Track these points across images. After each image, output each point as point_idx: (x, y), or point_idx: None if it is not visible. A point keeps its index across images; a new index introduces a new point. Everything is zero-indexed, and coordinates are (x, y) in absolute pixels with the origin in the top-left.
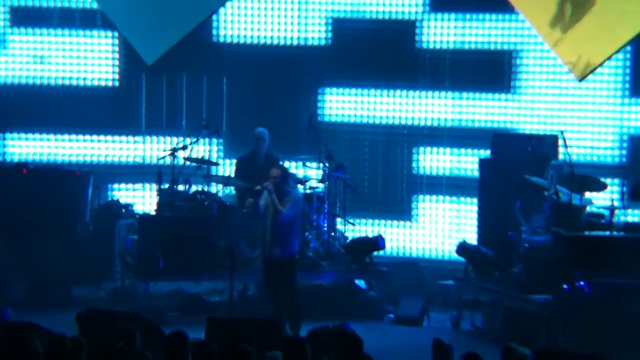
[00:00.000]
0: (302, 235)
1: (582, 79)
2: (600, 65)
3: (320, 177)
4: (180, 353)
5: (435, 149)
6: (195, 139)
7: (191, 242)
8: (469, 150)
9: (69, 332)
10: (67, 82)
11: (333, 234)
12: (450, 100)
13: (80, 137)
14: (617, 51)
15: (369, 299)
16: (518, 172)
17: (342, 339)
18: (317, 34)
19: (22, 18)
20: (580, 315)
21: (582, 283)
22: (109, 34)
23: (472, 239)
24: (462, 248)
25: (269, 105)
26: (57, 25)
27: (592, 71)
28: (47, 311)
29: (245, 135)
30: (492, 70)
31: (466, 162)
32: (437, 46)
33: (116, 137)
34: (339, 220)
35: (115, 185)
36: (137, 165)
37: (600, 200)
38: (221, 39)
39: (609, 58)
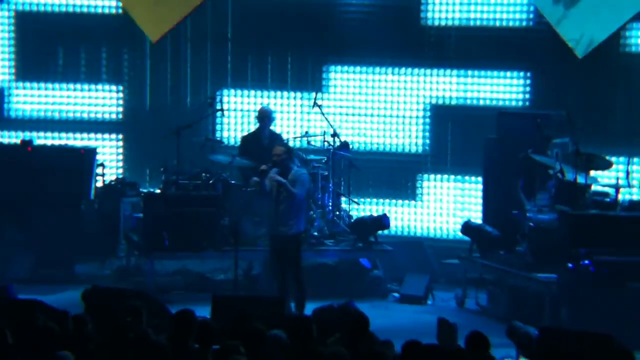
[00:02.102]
0: (307, 214)
1: (584, 56)
2: (603, 42)
3: (324, 156)
4: (187, 331)
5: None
6: (199, 117)
7: (196, 220)
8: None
9: (73, 310)
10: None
11: (338, 212)
12: (456, 78)
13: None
14: (620, 28)
15: (373, 278)
16: (523, 150)
17: (349, 318)
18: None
19: None
20: (585, 294)
21: (586, 261)
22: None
23: (477, 217)
24: (467, 227)
25: (274, 83)
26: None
27: (595, 48)
28: (52, 289)
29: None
30: (499, 48)
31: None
32: (443, 23)
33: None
34: (343, 199)
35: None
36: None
37: (605, 178)
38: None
39: (611, 35)
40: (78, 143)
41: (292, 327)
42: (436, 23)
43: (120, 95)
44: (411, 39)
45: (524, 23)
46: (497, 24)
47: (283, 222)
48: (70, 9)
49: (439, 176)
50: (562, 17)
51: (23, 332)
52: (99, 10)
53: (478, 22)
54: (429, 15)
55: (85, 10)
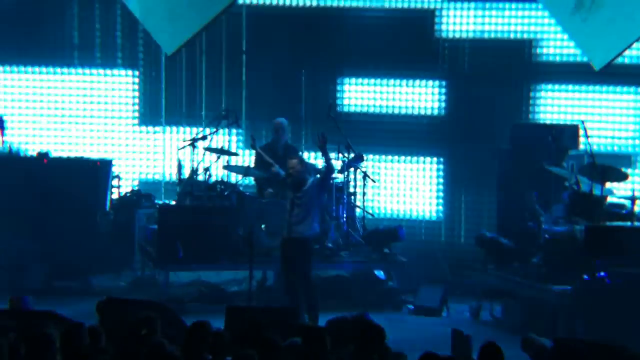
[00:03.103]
0: (321, 225)
1: (601, 68)
2: (619, 55)
3: (339, 168)
4: (201, 342)
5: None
6: (214, 129)
7: (211, 231)
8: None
9: (89, 322)
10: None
11: (352, 224)
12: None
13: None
14: (636, 40)
15: (388, 290)
16: (537, 162)
17: (364, 330)
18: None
19: None
20: (601, 306)
21: (602, 273)
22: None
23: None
24: (481, 239)
25: (288, 96)
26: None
27: (611, 61)
28: (68, 300)
29: (264, 125)
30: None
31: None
32: (457, 35)
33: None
34: (358, 210)
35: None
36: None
37: (621, 190)
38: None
39: (628, 47)
40: (94, 155)
41: (305, 338)
42: (450, 35)
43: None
44: (425, 51)
45: (535, 35)
46: (512, 36)
47: (296, 225)
48: None
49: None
50: (579, 29)
51: (37, 342)
52: None
53: (492, 35)
54: (443, 27)
55: None
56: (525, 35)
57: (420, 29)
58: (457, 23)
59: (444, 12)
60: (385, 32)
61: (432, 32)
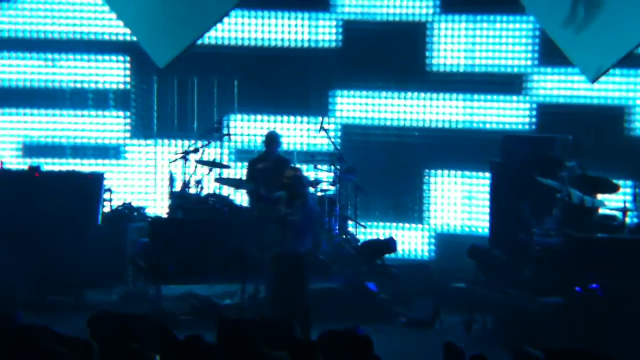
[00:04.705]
0: (313, 239)
1: (594, 81)
2: (613, 67)
3: (331, 180)
4: (195, 357)
5: (446, 151)
6: (206, 142)
7: (202, 245)
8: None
9: (80, 336)
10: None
11: (344, 236)
12: (462, 102)
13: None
14: (630, 52)
15: (380, 302)
16: (529, 174)
17: (352, 342)
18: (327, 36)
19: None
20: (592, 318)
21: (594, 285)
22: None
23: (484, 241)
24: (474, 250)
25: (279, 108)
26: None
27: (604, 73)
28: (59, 315)
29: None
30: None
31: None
32: (448, 48)
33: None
34: (350, 222)
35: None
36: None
37: (612, 202)
38: (232, 42)
39: (621, 60)
40: (86, 168)
41: (297, 351)
42: (442, 48)
43: (128, 120)
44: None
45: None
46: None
47: (292, 240)
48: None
49: (446, 199)
50: (572, 41)
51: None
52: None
53: (484, 47)
54: (435, 40)
55: (92, 37)
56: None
57: (412, 41)
58: (449, 35)
59: (435, 25)
60: (377, 44)
61: (424, 45)
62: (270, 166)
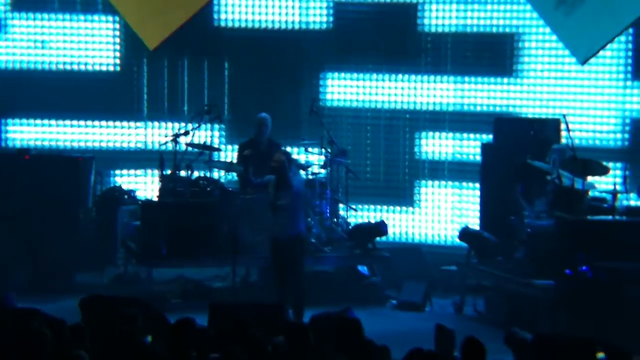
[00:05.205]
0: (305, 221)
1: (584, 62)
2: (603, 48)
3: (322, 163)
4: (187, 340)
5: (437, 133)
6: (197, 125)
7: (194, 228)
8: (471, 135)
9: (72, 319)
10: (68, 67)
11: (335, 219)
12: (452, 85)
13: (82, 122)
14: (619, 34)
15: (371, 285)
16: (520, 156)
17: (343, 324)
18: (318, 17)
19: (23, 2)
20: (583, 300)
21: (584, 267)
22: (110, 18)
23: (475, 223)
24: (465, 233)
25: (270, 91)
26: (58, 10)
27: (594, 54)
28: (50, 297)
29: (247, 121)
30: (494, 54)
31: (468, 146)
32: (439, 29)
33: (117, 123)
34: (341, 206)
35: (118, 172)
36: (139, 151)
37: (602, 184)
38: (222, 24)
39: (611, 41)
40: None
41: (289, 335)
42: (433, 30)
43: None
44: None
45: (517, 29)
46: (494, 30)
47: (284, 224)
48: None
49: (436, 182)
50: (562, 23)
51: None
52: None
53: (474, 29)
54: (426, 21)
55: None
56: (507, 30)
57: (403, 23)
58: (440, 17)
59: (426, 6)
60: (368, 26)
61: (415, 27)
62: (262, 150)
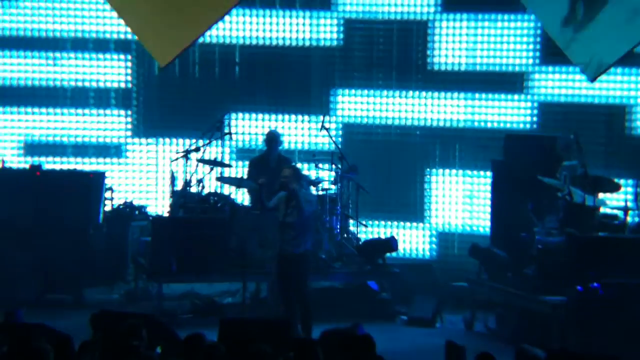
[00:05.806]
0: (314, 237)
1: (594, 79)
2: (613, 65)
3: (332, 179)
4: (197, 355)
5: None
6: (207, 141)
7: (204, 243)
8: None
9: (82, 334)
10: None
11: (345, 235)
12: (463, 101)
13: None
14: (630, 50)
15: (381, 301)
16: (531, 173)
17: (355, 341)
18: (329, 34)
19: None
20: (594, 317)
21: (595, 284)
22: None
23: (485, 239)
24: (475, 249)
25: (281, 107)
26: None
27: (604, 71)
28: (60, 313)
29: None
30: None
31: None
32: (450, 47)
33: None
34: (351, 221)
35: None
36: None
37: (613, 201)
38: (233, 41)
39: (621, 58)
40: (87, 167)
41: (298, 350)
42: (443, 47)
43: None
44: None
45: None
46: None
47: (290, 241)
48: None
49: (447, 197)
50: (571, 40)
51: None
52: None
53: (485, 45)
54: (436, 38)
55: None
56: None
57: (413, 40)
58: (451, 34)
59: (437, 24)
60: (378, 43)
61: (425, 44)
62: (272, 166)
